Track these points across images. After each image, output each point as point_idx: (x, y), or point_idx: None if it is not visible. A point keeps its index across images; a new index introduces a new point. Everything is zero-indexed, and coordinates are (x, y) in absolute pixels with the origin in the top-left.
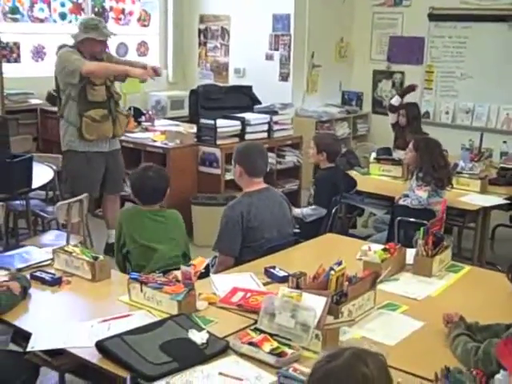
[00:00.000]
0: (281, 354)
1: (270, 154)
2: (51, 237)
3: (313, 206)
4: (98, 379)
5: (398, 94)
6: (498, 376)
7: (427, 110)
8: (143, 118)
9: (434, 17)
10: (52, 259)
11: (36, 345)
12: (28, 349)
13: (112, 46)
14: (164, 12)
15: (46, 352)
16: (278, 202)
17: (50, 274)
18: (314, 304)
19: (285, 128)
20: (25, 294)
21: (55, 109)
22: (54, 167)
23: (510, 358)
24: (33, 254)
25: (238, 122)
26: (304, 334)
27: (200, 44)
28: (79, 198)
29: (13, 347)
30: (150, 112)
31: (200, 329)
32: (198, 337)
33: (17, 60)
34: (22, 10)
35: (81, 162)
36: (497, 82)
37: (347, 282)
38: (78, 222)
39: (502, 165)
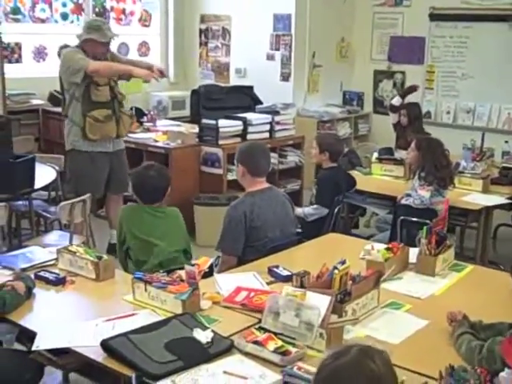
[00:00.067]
0: (285, 353)
1: (271, 154)
2: (54, 237)
3: (314, 206)
4: (103, 378)
5: (400, 94)
6: (502, 374)
7: (428, 110)
8: (145, 119)
9: (434, 17)
10: (56, 259)
11: (41, 344)
12: (33, 348)
13: (113, 46)
14: (165, 12)
15: (51, 351)
16: (280, 202)
17: (54, 273)
18: (318, 303)
19: (286, 128)
20: (29, 293)
21: (57, 109)
22: (57, 167)
23: None
24: (36, 253)
25: (240, 122)
26: (308, 333)
27: (201, 44)
28: (82, 198)
29: (17, 347)
30: (152, 112)
31: (204, 328)
32: (203, 336)
33: (18, 60)
34: (24, 10)
35: (84, 161)
36: (498, 81)
37: (351, 281)
38: (81, 222)
39: (503, 164)
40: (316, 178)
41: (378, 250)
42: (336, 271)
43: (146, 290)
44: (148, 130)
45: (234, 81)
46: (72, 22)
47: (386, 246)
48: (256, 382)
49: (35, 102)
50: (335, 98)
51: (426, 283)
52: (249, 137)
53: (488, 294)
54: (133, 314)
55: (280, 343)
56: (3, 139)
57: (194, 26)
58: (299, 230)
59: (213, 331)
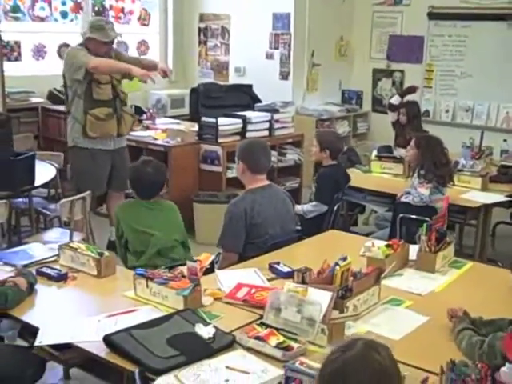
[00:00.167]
0: (287, 348)
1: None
2: (54, 234)
3: (313, 203)
4: (105, 373)
5: (399, 93)
6: (503, 369)
7: (427, 109)
8: (144, 117)
9: (433, 16)
10: (57, 255)
11: (44, 339)
12: (36, 343)
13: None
14: (164, 11)
15: (53, 346)
16: (281, 199)
17: (56, 269)
18: (320, 299)
19: (286, 126)
20: (31, 289)
21: (56, 107)
22: (56, 165)
23: None
24: (37, 250)
25: (240, 120)
26: (310, 329)
27: (200, 43)
28: (82, 195)
29: (20, 343)
30: (151, 110)
31: (206, 323)
32: (205, 331)
33: (18, 59)
34: (23, 8)
35: (85, 158)
36: (496, 80)
37: (352, 278)
38: (81, 220)
39: (502, 162)
40: (316, 176)
41: (378, 246)
42: (337, 267)
43: (147, 286)
44: (147, 127)
45: (233, 79)
46: (71, 20)
47: (386, 242)
48: (258, 376)
49: (34, 100)
50: (334, 96)
51: (426, 280)
52: (248, 135)
53: (488, 291)
54: (135, 310)
55: (282, 339)
56: (4, 137)
57: (193, 24)
58: (299, 228)
59: (215, 327)
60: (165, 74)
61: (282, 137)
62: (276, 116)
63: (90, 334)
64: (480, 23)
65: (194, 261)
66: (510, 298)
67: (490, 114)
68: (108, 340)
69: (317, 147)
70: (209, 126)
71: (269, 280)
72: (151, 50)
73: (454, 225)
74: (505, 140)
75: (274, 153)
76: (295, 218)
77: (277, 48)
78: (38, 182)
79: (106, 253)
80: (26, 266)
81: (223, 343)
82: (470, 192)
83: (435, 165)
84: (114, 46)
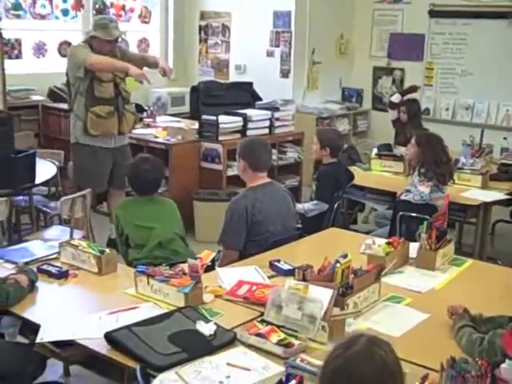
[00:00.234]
0: (288, 345)
1: None
2: (54, 232)
3: (314, 201)
4: (106, 370)
5: (400, 92)
6: (503, 365)
7: (427, 107)
8: (145, 115)
9: (434, 13)
10: (58, 253)
11: (45, 336)
12: (37, 340)
13: None
14: (165, 9)
15: (54, 343)
16: (282, 197)
17: (57, 267)
18: (321, 296)
19: (286, 124)
20: (32, 286)
21: (57, 105)
22: (57, 163)
23: None
24: (38, 248)
25: (240, 118)
26: (311, 326)
27: (201, 41)
28: (82, 193)
29: (21, 340)
30: (152, 108)
31: (207, 320)
32: (206, 328)
33: (18, 56)
34: (24, 6)
35: (87, 155)
36: (497, 78)
37: (352, 275)
38: (81, 217)
39: (502, 161)
40: (316, 174)
41: (378, 244)
42: (338, 265)
43: (148, 283)
44: (148, 125)
45: (234, 77)
46: (72, 18)
47: (386, 240)
48: (259, 373)
49: (35, 97)
50: (334, 94)
51: (426, 277)
52: (249, 133)
53: (488, 288)
54: (136, 307)
55: (283, 335)
56: (5, 134)
57: (194, 22)
58: (299, 226)
59: (215, 324)
60: (164, 73)
61: (283, 135)
62: (276, 114)
63: (91, 331)
64: (481, 21)
65: (195, 258)
66: (509, 296)
67: (490, 112)
68: (109, 337)
69: (317, 145)
70: (209, 124)
71: (269, 277)
72: (152, 47)
73: (454, 223)
74: (505, 138)
75: (274, 151)
76: (296, 215)
77: (277, 46)
78: (39, 179)
79: (107, 250)
80: (26, 263)
81: (224, 340)
82: (470, 190)
83: (436, 163)
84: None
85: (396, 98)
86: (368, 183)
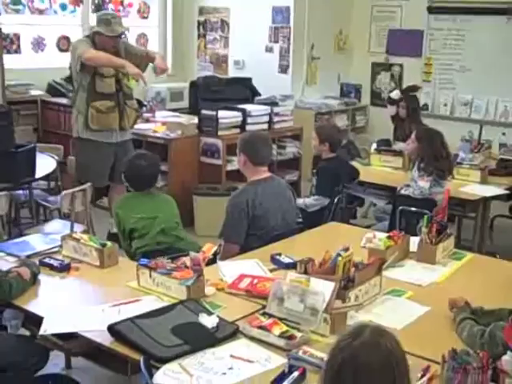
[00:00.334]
0: (290, 337)
1: None
2: (55, 226)
3: (315, 196)
4: (109, 362)
5: (400, 90)
6: (505, 357)
7: (426, 103)
8: (144, 109)
9: (433, 9)
10: (60, 246)
11: (48, 328)
12: (41, 332)
13: None
14: (163, 4)
15: (57, 336)
16: (282, 191)
17: (59, 260)
18: (322, 289)
19: (285, 119)
20: (34, 279)
21: (55, 100)
22: (56, 157)
23: None
24: (39, 241)
25: (239, 113)
26: (313, 318)
27: (199, 36)
28: (83, 187)
29: (23, 332)
30: (151, 103)
31: (210, 313)
32: (209, 321)
33: (17, 51)
34: (23, 1)
35: (88, 150)
36: (495, 74)
37: (354, 268)
38: (82, 211)
39: (501, 156)
40: (316, 169)
41: (379, 238)
42: (340, 258)
43: (150, 276)
44: (147, 120)
45: (233, 73)
46: (71, 12)
47: (387, 234)
48: (262, 365)
49: (34, 92)
50: (333, 90)
51: (426, 271)
52: (248, 128)
53: (488, 282)
54: (138, 300)
55: (285, 328)
56: (5, 129)
57: (193, 17)
58: (300, 220)
59: (218, 316)
60: (160, 72)
61: (282, 130)
62: (275, 109)
63: (94, 323)
64: (480, 17)
65: (198, 246)
66: (509, 289)
67: (489, 108)
68: (112, 329)
69: (316, 140)
70: (209, 119)
71: (270, 271)
72: (150, 42)
73: (454, 217)
74: (503, 133)
75: (273, 146)
76: (296, 209)
77: (276, 41)
78: (39, 174)
79: (109, 243)
80: (28, 256)
81: (227, 333)
82: (469, 185)
83: (435, 158)
84: None
85: (395, 95)
86: (367, 178)
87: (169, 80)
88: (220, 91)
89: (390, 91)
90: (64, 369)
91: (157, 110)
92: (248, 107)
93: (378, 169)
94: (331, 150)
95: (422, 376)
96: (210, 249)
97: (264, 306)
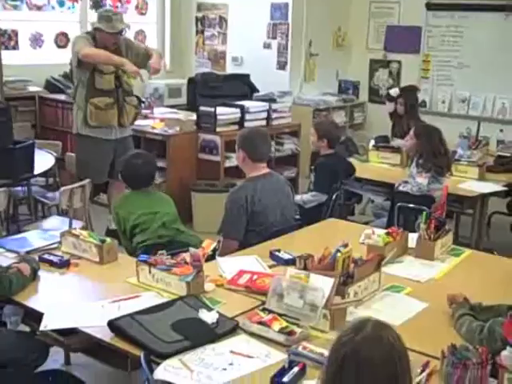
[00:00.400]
0: (290, 333)
1: None
2: (53, 222)
3: (313, 193)
4: (109, 358)
5: (399, 88)
6: (505, 352)
7: (424, 99)
8: (142, 106)
9: (431, 6)
10: (59, 242)
11: (49, 324)
12: (41, 328)
13: None
14: (161, 0)
15: (57, 332)
16: (281, 187)
17: (58, 256)
18: (322, 285)
19: (283, 116)
20: (34, 275)
21: (53, 96)
22: (55, 154)
23: None
24: (37, 238)
25: (238, 110)
26: (312, 314)
27: (197, 32)
28: (81, 183)
29: (23, 328)
30: (150, 99)
31: (210, 309)
32: (209, 317)
33: (15, 47)
34: None
35: (87, 146)
36: (493, 71)
37: (353, 264)
38: (80, 208)
39: (499, 153)
40: (314, 165)
41: (378, 234)
42: (339, 254)
43: (150, 272)
44: (145, 117)
45: (231, 69)
46: (69, 8)
47: (385, 230)
48: (262, 361)
49: (32, 88)
50: (331, 86)
51: (425, 267)
52: (246, 124)
53: (486, 278)
54: (138, 296)
55: (285, 324)
56: (3, 125)
57: (191, 14)
58: (298, 217)
59: (218, 312)
60: (153, 72)
61: (280, 126)
62: (273, 106)
63: (94, 319)
64: (478, 14)
65: (199, 240)
66: (507, 285)
67: (486, 105)
68: (113, 325)
69: (315, 136)
70: (207, 115)
71: (270, 267)
72: (148, 39)
73: (452, 214)
74: (501, 130)
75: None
76: (295, 206)
77: (274, 38)
78: (38, 170)
79: (108, 239)
80: (28, 252)
81: (227, 328)
82: (467, 182)
83: (434, 154)
84: None
85: (394, 92)
86: (366, 175)
87: (167, 76)
88: (218, 88)
89: (389, 88)
90: (63, 365)
91: (155, 107)
92: (246, 103)
93: (376, 165)
94: (329, 146)
95: (422, 371)
96: (209, 245)
97: (263, 302)
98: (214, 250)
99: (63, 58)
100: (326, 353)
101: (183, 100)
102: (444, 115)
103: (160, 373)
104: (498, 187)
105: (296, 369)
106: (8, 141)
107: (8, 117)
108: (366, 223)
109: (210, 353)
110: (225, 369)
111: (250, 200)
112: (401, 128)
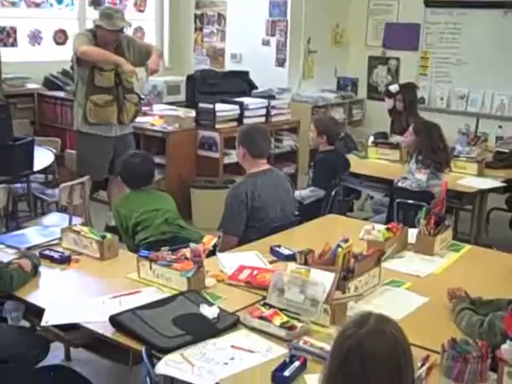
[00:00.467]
0: (291, 328)
1: None
2: (53, 219)
3: (311, 188)
4: (111, 353)
5: (399, 84)
6: (505, 346)
7: (422, 96)
8: (142, 103)
9: (429, 3)
10: (59, 238)
11: (50, 319)
12: (42, 323)
13: None
14: None
15: (59, 327)
16: (281, 183)
17: (59, 252)
18: (322, 279)
19: (282, 112)
20: (35, 271)
21: (52, 93)
22: (54, 150)
23: None
24: (37, 234)
25: (237, 107)
26: (313, 309)
27: (196, 29)
28: (81, 180)
29: (23, 324)
30: (149, 96)
31: (210, 304)
32: (210, 312)
33: (14, 44)
34: None
35: (87, 142)
36: (492, 68)
37: (353, 259)
38: (80, 204)
39: (497, 149)
40: (313, 161)
41: (378, 230)
42: (340, 249)
43: (150, 267)
44: (145, 114)
45: (230, 66)
46: (67, 5)
47: (385, 226)
48: (263, 355)
49: (30, 86)
50: (330, 83)
51: (425, 262)
52: (245, 121)
53: (485, 273)
54: (138, 292)
55: (285, 318)
56: (3, 122)
57: (190, 11)
58: (297, 213)
59: (218, 307)
60: (150, 73)
61: (279, 123)
62: (273, 102)
63: (95, 315)
64: (476, 11)
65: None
66: (507, 280)
67: (485, 102)
68: (114, 320)
69: (314, 133)
70: (206, 112)
71: (270, 262)
72: (147, 36)
73: (452, 209)
74: (500, 126)
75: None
76: (295, 202)
77: (273, 35)
78: (37, 167)
79: (109, 235)
80: (28, 248)
81: (228, 323)
82: (466, 178)
83: (433, 150)
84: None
85: (394, 89)
86: (365, 171)
87: (166, 73)
88: (217, 84)
89: (388, 84)
90: (64, 360)
91: (154, 104)
92: (245, 100)
93: (375, 161)
94: (329, 142)
95: (422, 365)
96: (210, 240)
97: (264, 297)
98: (215, 246)
99: (62, 55)
100: (327, 347)
101: (182, 97)
102: (442, 111)
103: (161, 367)
104: (497, 183)
105: (297, 363)
106: (7, 138)
107: (7, 114)
108: (365, 219)
109: (211, 347)
110: (226, 363)
111: (250, 196)
112: (400, 124)
